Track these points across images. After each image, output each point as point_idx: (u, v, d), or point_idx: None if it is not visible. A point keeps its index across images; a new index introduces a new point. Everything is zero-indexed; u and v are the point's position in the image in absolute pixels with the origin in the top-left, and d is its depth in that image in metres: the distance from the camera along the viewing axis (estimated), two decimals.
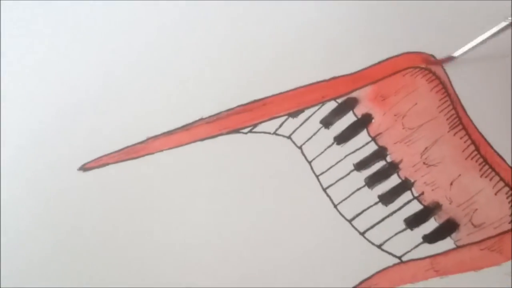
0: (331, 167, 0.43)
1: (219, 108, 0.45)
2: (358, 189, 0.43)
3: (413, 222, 0.42)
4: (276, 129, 0.44)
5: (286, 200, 0.43)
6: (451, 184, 0.42)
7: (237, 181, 0.44)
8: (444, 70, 0.44)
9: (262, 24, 0.47)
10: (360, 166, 0.43)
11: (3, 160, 0.45)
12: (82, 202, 0.44)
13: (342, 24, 0.46)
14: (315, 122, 0.44)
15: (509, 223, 0.42)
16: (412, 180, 0.43)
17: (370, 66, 0.45)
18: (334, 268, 0.42)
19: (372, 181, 0.43)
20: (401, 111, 0.44)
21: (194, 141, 0.44)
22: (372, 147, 0.44)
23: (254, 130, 0.44)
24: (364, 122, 0.44)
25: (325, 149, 0.44)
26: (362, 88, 0.44)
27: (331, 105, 0.44)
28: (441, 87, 0.44)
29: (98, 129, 0.45)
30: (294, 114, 0.44)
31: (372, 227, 0.42)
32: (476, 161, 0.43)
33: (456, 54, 0.44)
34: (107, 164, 0.44)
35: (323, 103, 0.44)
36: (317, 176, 0.43)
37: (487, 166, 0.43)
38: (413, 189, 0.43)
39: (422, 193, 0.43)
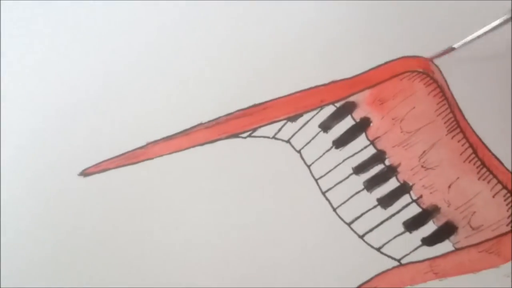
0: (330, 171, 0.44)
1: (218, 112, 0.45)
2: (357, 193, 0.43)
3: (412, 225, 0.43)
4: (275, 134, 0.45)
5: (285, 203, 0.44)
6: (449, 187, 0.43)
7: (236, 186, 0.44)
8: (442, 74, 0.45)
9: (261, 28, 0.47)
10: (359, 169, 0.44)
11: (3, 160, 0.45)
12: (82, 205, 0.44)
13: (341, 28, 0.46)
14: (313, 126, 0.44)
15: (507, 225, 0.42)
16: (411, 184, 0.43)
17: (368, 70, 0.45)
18: (333, 271, 0.42)
19: (370, 184, 0.43)
20: (399, 115, 0.44)
21: (194, 146, 0.45)
22: (371, 151, 0.44)
23: (253, 134, 0.45)
24: (362, 126, 0.44)
25: (324, 153, 0.44)
26: (360, 92, 0.45)
27: (329, 109, 0.45)
28: (438, 90, 0.44)
29: (97, 133, 0.45)
30: (293, 119, 0.45)
31: (371, 230, 0.43)
32: (474, 164, 0.43)
33: (455, 45, 0.44)
34: (107, 169, 0.44)
35: (321, 107, 0.45)
36: (316, 180, 0.44)
37: (484, 169, 0.43)
38: (411, 192, 0.43)
39: (421, 196, 0.43)
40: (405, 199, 0.43)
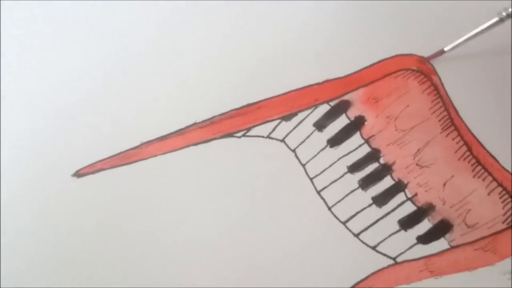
0: (324, 170, 0.44)
1: (212, 112, 0.45)
2: (352, 191, 0.43)
3: (407, 223, 0.42)
4: (270, 133, 0.45)
5: (280, 203, 0.44)
6: (444, 185, 0.43)
7: (231, 185, 0.44)
8: (436, 71, 0.45)
9: (255, 29, 0.47)
10: (354, 168, 0.44)
11: (2, 160, 0.45)
12: (79, 205, 0.44)
13: (335, 27, 0.47)
14: (308, 125, 0.44)
15: (502, 223, 0.42)
16: (406, 182, 0.43)
17: (362, 69, 0.45)
18: (329, 270, 0.42)
19: (365, 183, 0.43)
20: (393, 113, 0.44)
21: (188, 146, 0.45)
22: (365, 149, 0.44)
23: (248, 134, 0.45)
24: (357, 124, 0.44)
25: (319, 152, 0.44)
26: (355, 91, 0.45)
27: (324, 108, 0.45)
28: (432, 88, 0.44)
29: (92, 133, 0.45)
30: (287, 118, 0.45)
31: (366, 228, 0.43)
32: (469, 161, 0.43)
33: (446, 48, 0.44)
34: (102, 169, 0.44)
35: (316, 106, 0.45)
36: (311, 179, 0.44)
37: (479, 167, 0.43)
38: (406, 190, 0.43)
39: (416, 194, 0.43)
40: (400, 197, 0.43)
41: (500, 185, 0.43)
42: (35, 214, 0.44)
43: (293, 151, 0.44)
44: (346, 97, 0.45)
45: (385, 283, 0.42)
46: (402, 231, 0.42)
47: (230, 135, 0.45)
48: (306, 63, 0.46)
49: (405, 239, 0.42)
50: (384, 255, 0.42)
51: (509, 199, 0.42)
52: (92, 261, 0.43)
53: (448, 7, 0.46)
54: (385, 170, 0.43)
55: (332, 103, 0.45)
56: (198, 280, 0.43)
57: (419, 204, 0.43)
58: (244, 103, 0.45)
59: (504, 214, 0.42)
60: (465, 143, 0.43)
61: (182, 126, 0.45)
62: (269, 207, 0.44)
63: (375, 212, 0.43)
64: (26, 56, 0.47)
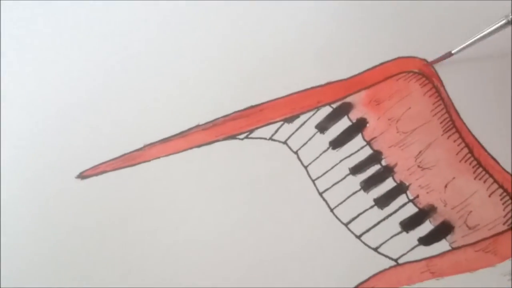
0: (327, 172, 0.44)
1: (215, 114, 0.45)
2: (354, 193, 0.43)
3: (408, 225, 0.43)
4: (272, 135, 0.45)
5: (282, 204, 0.44)
6: (446, 186, 0.43)
7: (234, 187, 0.44)
8: (437, 74, 0.45)
9: (257, 31, 0.47)
10: (356, 170, 0.44)
11: (3, 160, 0.45)
12: (80, 207, 0.44)
13: (337, 29, 0.47)
14: (310, 127, 0.45)
15: (503, 224, 0.42)
16: (407, 184, 0.43)
17: (364, 71, 0.45)
18: (331, 271, 0.43)
19: (367, 184, 0.43)
20: (395, 115, 0.44)
21: (191, 148, 0.45)
22: (367, 151, 0.44)
23: (250, 136, 0.45)
24: (359, 126, 0.44)
25: (321, 154, 0.44)
26: (357, 93, 0.45)
27: (326, 110, 0.45)
28: (434, 91, 0.44)
29: (94, 135, 0.45)
30: (289, 120, 0.45)
31: (368, 230, 0.43)
32: (470, 163, 0.43)
33: (453, 51, 0.44)
34: (105, 171, 0.44)
35: (318, 108, 0.45)
36: (313, 181, 0.44)
37: (480, 169, 0.43)
38: (408, 192, 0.43)
39: (417, 196, 0.43)
40: (401, 199, 0.43)
41: (501, 186, 0.43)
42: (37, 215, 0.44)
43: (296, 153, 0.44)
44: (348, 99, 0.45)
45: (387, 284, 0.42)
46: (404, 233, 0.43)
47: (232, 137, 0.45)
48: (309, 65, 0.46)
49: (406, 241, 0.43)
50: (386, 256, 0.42)
51: (510, 201, 0.43)
52: (94, 262, 0.43)
53: (450, 8, 0.46)
54: (387, 172, 0.44)
55: (334, 105, 0.45)
56: (200, 281, 0.43)
57: (420, 206, 0.43)
58: (247, 105, 0.45)
59: (505, 216, 0.42)
60: (466, 145, 0.43)
61: (185, 128, 0.45)
62: (271, 209, 0.44)
63: (377, 213, 0.43)
64: (26, 56, 0.47)
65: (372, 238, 0.43)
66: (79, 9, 0.48)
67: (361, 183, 0.44)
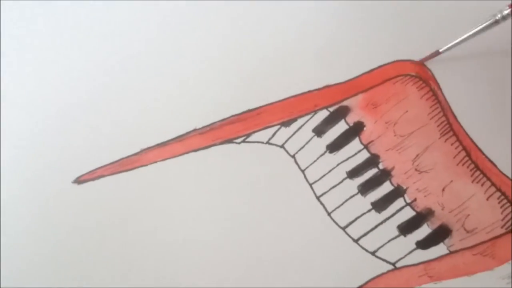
0: (324, 175, 0.44)
1: (212, 118, 0.45)
2: (351, 197, 0.43)
3: (406, 228, 0.43)
4: (269, 139, 0.45)
5: (280, 208, 0.44)
6: (443, 190, 0.43)
7: (231, 191, 0.44)
8: (434, 77, 0.45)
9: (254, 34, 0.47)
10: (353, 173, 0.44)
11: (2, 160, 0.45)
12: (78, 209, 0.44)
13: (334, 33, 0.47)
14: (307, 131, 0.45)
15: (501, 227, 0.42)
16: (405, 187, 0.43)
17: (361, 75, 0.45)
18: (328, 275, 0.42)
19: (365, 188, 0.43)
20: (392, 119, 0.44)
21: (188, 152, 0.45)
22: (365, 155, 0.44)
23: (247, 140, 0.45)
24: (356, 130, 0.44)
25: (318, 158, 0.44)
26: (354, 97, 0.45)
27: (323, 114, 0.45)
28: (431, 94, 0.44)
29: (91, 140, 0.45)
30: (286, 123, 0.45)
31: (365, 234, 0.43)
32: (468, 167, 0.43)
33: (441, 49, 0.44)
34: (102, 176, 0.45)
35: (315, 112, 0.45)
36: (310, 185, 0.44)
37: (478, 172, 0.43)
38: (405, 195, 0.43)
39: (415, 200, 0.43)
40: (399, 202, 0.43)
41: (498, 190, 0.43)
42: (35, 217, 0.44)
43: (293, 156, 0.44)
44: (345, 103, 0.45)
45: None
46: (402, 236, 0.43)
47: (229, 141, 0.45)
48: (306, 68, 0.46)
49: (404, 244, 0.42)
50: (384, 260, 0.42)
51: (508, 204, 0.42)
52: (92, 264, 0.43)
53: (449, 10, 0.46)
54: (384, 175, 0.44)
55: (331, 109, 0.45)
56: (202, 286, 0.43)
57: (418, 209, 0.43)
58: (244, 109, 0.45)
59: (503, 219, 0.42)
60: (464, 148, 0.43)
61: (182, 132, 0.45)
62: (268, 213, 0.44)
63: (375, 217, 0.43)
64: (26, 56, 0.47)
65: (369, 242, 0.43)
66: (79, 9, 0.48)
67: (358, 186, 0.44)
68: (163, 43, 0.47)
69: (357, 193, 0.43)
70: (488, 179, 0.43)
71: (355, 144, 0.44)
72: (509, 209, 0.42)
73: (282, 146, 0.45)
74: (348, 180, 0.44)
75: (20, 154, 0.45)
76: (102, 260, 0.43)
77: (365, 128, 0.44)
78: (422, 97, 0.44)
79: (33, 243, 0.44)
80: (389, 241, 0.43)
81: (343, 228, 0.43)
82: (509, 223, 0.42)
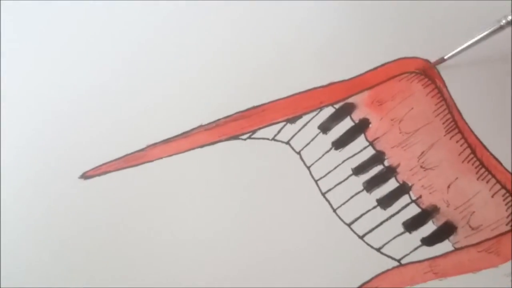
0: (329, 172, 0.44)
1: (218, 115, 0.45)
2: (357, 193, 0.43)
3: (411, 225, 0.43)
4: (275, 135, 0.45)
5: (285, 204, 0.44)
6: (448, 187, 0.43)
7: (236, 188, 0.44)
8: (440, 74, 0.45)
9: (259, 31, 0.47)
10: (358, 170, 0.44)
11: (5, 160, 0.45)
12: (82, 207, 0.44)
13: (339, 30, 0.47)
14: (313, 128, 0.45)
15: (506, 224, 0.42)
16: (410, 184, 0.43)
17: (366, 72, 0.45)
18: (333, 272, 0.43)
19: (370, 185, 0.44)
20: (397, 116, 0.44)
21: (194, 148, 0.45)
22: (370, 152, 0.44)
23: (253, 136, 0.45)
24: (361, 127, 0.44)
25: (324, 154, 0.44)
26: (359, 94, 0.45)
27: (328, 111, 0.45)
28: (436, 91, 0.44)
29: (97, 136, 0.45)
30: (292, 120, 0.45)
31: (371, 230, 0.43)
32: (473, 164, 0.43)
33: (446, 56, 0.44)
34: (107, 172, 0.45)
35: (320, 108, 0.45)
36: (316, 181, 0.44)
37: (483, 169, 0.43)
38: (411, 192, 0.43)
39: (420, 197, 0.43)
40: (404, 199, 0.43)
41: (503, 187, 0.43)
42: (38, 215, 0.44)
43: (298, 153, 0.45)
44: (350, 100, 0.45)
45: (390, 285, 0.42)
46: (407, 233, 0.43)
47: (235, 137, 0.45)
48: (311, 65, 0.46)
49: (409, 241, 0.43)
50: (389, 257, 0.42)
51: None
52: (95, 262, 0.43)
53: (452, 8, 0.46)
54: (390, 172, 0.44)
55: (337, 106, 0.45)
56: (202, 281, 0.43)
57: (423, 206, 0.43)
58: (249, 105, 0.45)
59: (507, 216, 0.42)
60: (469, 146, 0.43)
61: (188, 129, 0.45)
62: (274, 209, 0.44)
63: (380, 214, 0.43)
64: (26, 56, 0.47)
65: (375, 239, 0.43)
66: (79, 9, 0.48)
67: (363, 183, 0.44)
68: (168, 41, 0.47)
69: (362, 190, 0.43)
70: (493, 176, 0.43)
71: (360, 141, 0.44)
72: None
73: (287, 143, 0.45)
74: (353, 177, 0.44)
75: (22, 153, 0.45)
76: (104, 259, 0.43)
77: (370, 125, 0.44)
78: (427, 95, 0.44)
79: (34, 242, 0.44)
80: (394, 237, 0.43)
81: (349, 225, 0.43)
82: None
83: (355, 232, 0.43)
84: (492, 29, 0.42)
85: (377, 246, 0.43)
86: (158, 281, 0.43)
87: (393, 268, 0.42)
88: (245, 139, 0.45)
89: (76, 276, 0.43)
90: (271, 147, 0.45)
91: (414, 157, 0.44)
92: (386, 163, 0.44)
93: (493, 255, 0.42)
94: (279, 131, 0.45)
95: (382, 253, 0.43)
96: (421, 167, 0.43)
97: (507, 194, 0.43)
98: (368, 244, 0.43)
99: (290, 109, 0.45)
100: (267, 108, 0.45)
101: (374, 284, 0.42)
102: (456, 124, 0.44)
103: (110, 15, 0.48)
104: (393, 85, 0.45)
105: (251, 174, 0.44)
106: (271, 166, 0.44)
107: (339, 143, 0.44)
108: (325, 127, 0.45)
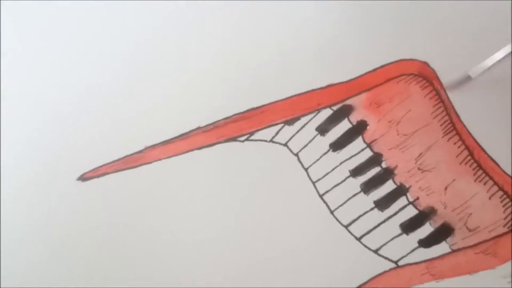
0: (327, 174, 0.44)
1: (216, 116, 0.45)
2: (354, 195, 0.44)
3: (408, 227, 0.43)
4: (273, 137, 0.45)
5: (283, 206, 0.44)
6: (446, 189, 0.43)
7: (234, 189, 0.44)
8: (437, 76, 0.45)
9: (258, 34, 0.47)
10: (356, 172, 0.44)
11: (4, 160, 0.45)
12: (81, 208, 0.44)
13: (338, 32, 0.47)
14: (311, 130, 0.45)
15: (503, 226, 0.42)
16: (407, 186, 0.43)
17: (364, 74, 0.45)
18: (331, 273, 0.43)
19: (367, 187, 0.44)
20: (395, 118, 0.44)
21: (192, 150, 0.45)
22: (368, 154, 0.44)
23: (251, 138, 0.45)
24: (359, 129, 0.44)
25: (321, 156, 0.44)
26: (357, 96, 0.45)
27: (326, 113, 0.45)
28: (434, 93, 0.44)
29: (95, 138, 0.46)
30: (290, 122, 0.45)
31: (368, 232, 0.43)
32: (470, 166, 0.43)
33: (472, 75, 0.44)
34: (106, 173, 0.45)
35: (318, 110, 0.45)
36: (313, 183, 0.44)
37: (481, 171, 0.43)
38: (408, 194, 0.43)
39: (417, 198, 0.43)
40: (402, 201, 0.43)
41: (501, 189, 0.43)
42: (38, 216, 0.44)
43: (296, 155, 0.45)
44: (348, 102, 0.45)
45: (387, 286, 0.42)
46: (404, 235, 0.43)
47: (233, 139, 0.45)
48: (309, 67, 0.46)
49: (407, 243, 0.43)
50: (386, 258, 0.43)
51: (510, 203, 0.43)
52: (95, 262, 0.44)
53: (451, 10, 0.46)
54: (387, 174, 0.44)
55: (335, 108, 0.45)
56: (201, 282, 0.43)
57: (420, 208, 0.43)
58: (248, 107, 0.45)
59: (505, 218, 0.42)
60: (467, 148, 0.43)
61: (186, 130, 0.45)
62: (271, 210, 0.44)
63: (377, 215, 0.43)
64: (26, 56, 0.48)
65: (372, 240, 0.43)
66: (79, 9, 0.48)
67: (361, 185, 0.44)
68: (168, 42, 0.47)
69: (360, 192, 0.44)
70: (491, 178, 0.43)
71: (358, 143, 0.44)
72: (511, 208, 0.43)
73: (285, 145, 0.45)
74: (351, 179, 0.44)
75: (21, 154, 0.45)
76: (103, 259, 0.44)
77: (368, 127, 0.44)
78: (425, 96, 0.44)
79: (34, 243, 0.44)
80: (391, 239, 0.43)
81: (346, 226, 0.43)
82: (511, 222, 0.42)
83: (352, 234, 0.43)
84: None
85: (374, 247, 0.43)
86: (158, 281, 0.43)
87: (390, 269, 0.42)
88: (243, 141, 0.45)
89: (75, 276, 0.43)
90: (269, 149, 0.45)
91: (412, 159, 0.44)
92: (383, 165, 0.44)
93: (491, 257, 0.42)
94: (277, 133, 0.45)
95: (379, 254, 0.43)
96: (419, 169, 0.43)
97: (505, 196, 0.43)
98: (365, 246, 0.43)
99: (288, 110, 0.45)
100: (266, 110, 0.45)
101: (371, 285, 0.42)
102: (453, 126, 0.44)
103: (110, 15, 0.48)
104: (391, 87, 0.45)
105: (248, 176, 0.44)
106: (269, 168, 0.44)
107: (337, 145, 0.44)
108: (323, 129, 0.45)
